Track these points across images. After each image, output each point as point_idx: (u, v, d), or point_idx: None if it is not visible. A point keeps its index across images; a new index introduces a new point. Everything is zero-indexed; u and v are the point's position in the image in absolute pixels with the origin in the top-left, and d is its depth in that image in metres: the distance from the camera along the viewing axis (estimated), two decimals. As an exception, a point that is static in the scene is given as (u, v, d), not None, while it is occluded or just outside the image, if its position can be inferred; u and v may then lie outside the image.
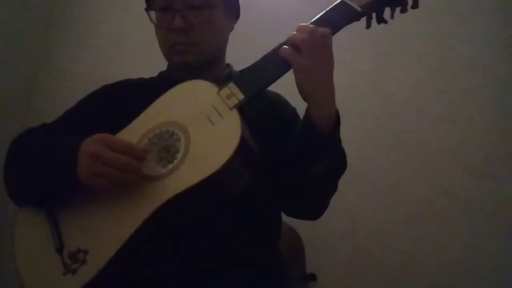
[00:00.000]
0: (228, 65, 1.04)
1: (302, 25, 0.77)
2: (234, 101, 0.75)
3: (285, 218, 0.98)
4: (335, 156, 0.82)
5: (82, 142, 0.74)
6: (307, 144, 0.79)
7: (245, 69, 0.84)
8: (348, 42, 1.65)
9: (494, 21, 1.72)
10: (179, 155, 0.74)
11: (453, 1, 1.77)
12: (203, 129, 0.74)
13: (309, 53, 0.74)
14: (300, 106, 1.03)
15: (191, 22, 0.89)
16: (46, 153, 0.80)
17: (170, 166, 0.73)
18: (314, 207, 0.91)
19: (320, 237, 1.72)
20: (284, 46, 0.77)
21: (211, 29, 0.92)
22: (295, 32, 0.77)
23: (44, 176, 0.78)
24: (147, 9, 0.95)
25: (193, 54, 0.91)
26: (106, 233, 0.73)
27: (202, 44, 0.91)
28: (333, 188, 0.88)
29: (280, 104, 1.01)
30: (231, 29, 1.01)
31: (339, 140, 0.83)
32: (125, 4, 2.26)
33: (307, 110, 0.79)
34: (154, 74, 1.05)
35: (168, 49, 0.94)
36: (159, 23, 0.93)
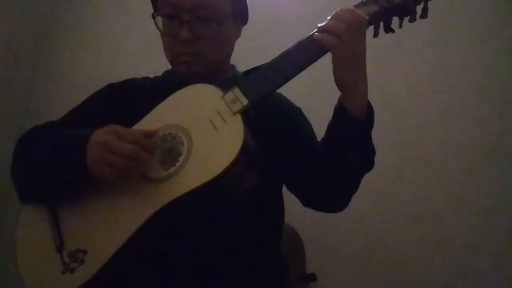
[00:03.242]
0: (232, 66, 1.02)
1: (342, 10, 0.76)
2: (238, 106, 0.75)
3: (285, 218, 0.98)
4: (369, 145, 0.83)
5: (93, 132, 0.75)
6: (342, 131, 0.79)
7: (250, 72, 0.82)
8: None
9: (494, 21, 1.72)
10: (181, 159, 0.74)
11: (453, 1, 1.77)
12: (205, 134, 0.74)
13: (350, 43, 0.74)
14: (303, 106, 1.03)
15: (199, 34, 0.86)
16: (56, 144, 0.80)
17: (172, 169, 0.73)
18: (344, 198, 0.90)
19: (320, 237, 1.72)
20: (325, 34, 0.75)
21: (219, 41, 0.89)
22: (330, 19, 0.76)
23: (54, 167, 0.78)
24: (153, 15, 0.90)
25: (199, 65, 0.88)
26: (106, 233, 0.73)
27: (208, 56, 0.88)
28: (360, 180, 0.87)
29: (284, 105, 0.99)
30: (239, 35, 0.98)
31: (370, 133, 0.82)
32: (125, 4, 2.26)
33: (340, 100, 0.79)
34: (154, 74, 1.04)
35: (173, 58, 0.91)
36: (165, 31, 0.89)
